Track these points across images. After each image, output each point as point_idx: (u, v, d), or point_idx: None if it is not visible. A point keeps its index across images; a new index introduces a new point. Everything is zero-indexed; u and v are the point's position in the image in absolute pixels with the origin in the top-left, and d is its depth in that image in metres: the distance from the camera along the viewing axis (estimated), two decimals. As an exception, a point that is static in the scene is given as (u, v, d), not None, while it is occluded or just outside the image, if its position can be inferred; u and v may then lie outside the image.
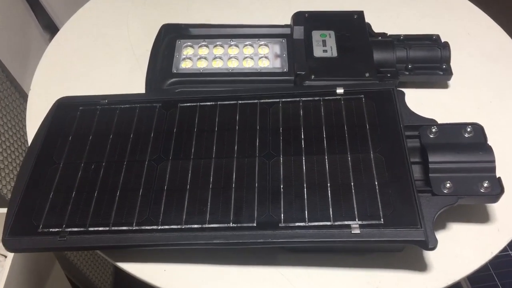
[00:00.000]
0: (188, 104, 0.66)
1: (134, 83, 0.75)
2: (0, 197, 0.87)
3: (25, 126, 0.92)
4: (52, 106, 0.68)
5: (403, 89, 0.65)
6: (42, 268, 0.88)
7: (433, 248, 0.51)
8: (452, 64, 0.72)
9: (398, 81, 0.70)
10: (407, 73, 0.72)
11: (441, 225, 0.59)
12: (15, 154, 0.93)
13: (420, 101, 0.71)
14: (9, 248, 0.55)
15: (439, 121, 0.62)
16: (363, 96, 0.64)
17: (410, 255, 0.56)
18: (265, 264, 0.56)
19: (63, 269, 0.98)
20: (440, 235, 0.52)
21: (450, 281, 0.55)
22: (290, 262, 0.56)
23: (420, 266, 0.56)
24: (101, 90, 0.74)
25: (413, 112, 0.63)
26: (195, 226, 0.54)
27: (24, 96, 0.99)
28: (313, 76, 0.68)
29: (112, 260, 0.57)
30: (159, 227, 0.55)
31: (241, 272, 0.56)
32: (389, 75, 0.70)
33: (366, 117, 0.61)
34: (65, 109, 0.67)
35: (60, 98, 0.69)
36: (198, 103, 0.66)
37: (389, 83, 0.66)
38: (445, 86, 0.74)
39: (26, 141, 0.93)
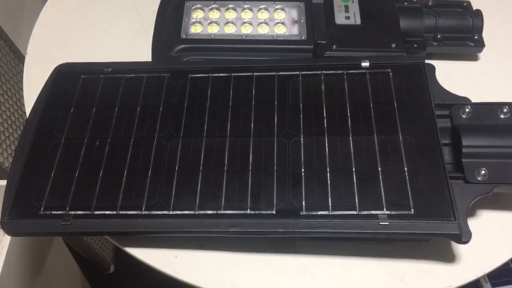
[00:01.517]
0: (199, 75, 0.60)
1: (138, 47, 0.70)
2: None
3: (21, 89, 0.87)
4: (51, 73, 0.63)
5: (429, 61, 0.60)
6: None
7: (466, 242, 0.48)
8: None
9: (425, 52, 0.65)
10: (436, 43, 0.66)
11: (470, 212, 0.55)
12: (11, 119, 0.88)
13: (447, 74, 0.65)
14: (8, 231, 0.51)
15: (468, 97, 0.57)
16: (390, 70, 0.58)
17: (437, 245, 0.53)
18: (283, 252, 0.53)
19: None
20: (469, 223, 0.48)
21: (479, 273, 0.52)
22: (309, 250, 0.53)
23: (447, 257, 0.52)
24: (103, 55, 0.69)
25: (443, 89, 0.58)
26: (210, 212, 0.50)
27: (19, 57, 0.94)
28: (334, 46, 0.63)
29: (119, 244, 0.53)
30: (171, 213, 0.51)
31: (258, 260, 0.52)
32: (416, 45, 0.65)
33: (394, 94, 0.56)
34: (65, 78, 0.62)
35: (59, 65, 0.63)
36: (211, 74, 0.60)
37: (419, 56, 0.61)
38: (474, 58, 0.68)
39: (23, 104, 0.87)
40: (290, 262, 0.52)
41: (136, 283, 1.09)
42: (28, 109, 0.63)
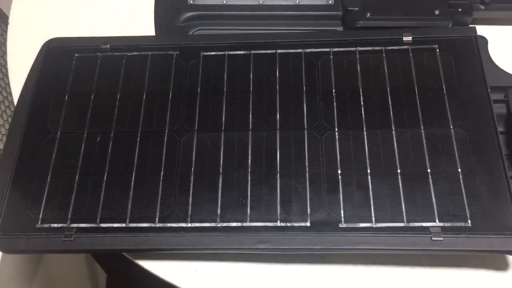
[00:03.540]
0: (213, 53, 0.52)
1: (138, 15, 0.60)
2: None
3: (5, 52, 0.77)
4: (40, 51, 0.54)
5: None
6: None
7: (531, 258, 0.42)
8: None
9: (471, 18, 0.56)
10: (483, 7, 0.57)
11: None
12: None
13: (495, 44, 0.56)
14: (1, 248, 0.45)
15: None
16: (437, 46, 0.50)
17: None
18: (313, 262, 0.47)
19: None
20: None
21: (536, 284, 0.46)
22: (343, 259, 0.47)
23: (500, 264, 0.46)
24: (98, 24, 0.60)
25: (498, 67, 0.50)
26: (234, 224, 0.44)
27: (1, 16, 0.83)
28: (368, 14, 0.54)
29: (130, 257, 0.47)
30: (189, 225, 0.44)
31: (287, 271, 0.46)
32: (460, 10, 0.56)
33: (442, 76, 0.48)
34: (57, 56, 0.53)
35: (48, 41, 0.54)
36: (226, 52, 0.52)
37: (469, 28, 0.52)
38: (525, 23, 0.59)
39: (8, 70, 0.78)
40: (321, 273, 0.46)
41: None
42: (15, 92, 0.55)
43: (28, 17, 0.61)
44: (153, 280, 0.47)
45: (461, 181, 0.44)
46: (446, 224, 0.42)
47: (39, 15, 0.61)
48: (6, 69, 0.62)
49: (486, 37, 0.51)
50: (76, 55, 0.53)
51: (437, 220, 0.42)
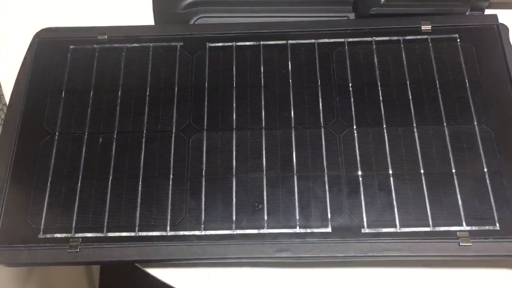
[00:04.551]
0: (219, 44, 0.49)
1: (135, 0, 0.56)
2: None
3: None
4: (31, 43, 0.50)
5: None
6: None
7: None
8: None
9: (488, 2, 0.54)
10: (500, -10, 0.55)
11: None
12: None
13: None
14: (2, 261, 0.42)
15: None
16: (457, 36, 0.47)
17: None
18: (334, 265, 0.45)
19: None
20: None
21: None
22: (365, 262, 0.45)
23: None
24: (91, 12, 0.56)
25: (520, 57, 0.48)
26: (250, 231, 0.41)
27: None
28: (382, 0, 0.51)
29: (138, 264, 0.44)
30: (202, 233, 0.41)
31: (306, 277, 0.44)
32: (476, -7, 0.53)
33: (464, 68, 0.46)
34: (50, 49, 0.50)
35: (40, 32, 0.50)
36: (234, 43, 0.48)
37: (490, 16, 0.49)
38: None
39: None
40: (343, 277, 0.44)
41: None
42: (5, 89, 0.51)
43: (18, 5, 0.56)
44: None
45: (488, 181, 0.42)
46: (474, 228, 0.40)
47: (30, 2, 0.56)
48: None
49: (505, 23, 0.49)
50: (71, 47, 0.49)
51: (464, 224, 0.40)
